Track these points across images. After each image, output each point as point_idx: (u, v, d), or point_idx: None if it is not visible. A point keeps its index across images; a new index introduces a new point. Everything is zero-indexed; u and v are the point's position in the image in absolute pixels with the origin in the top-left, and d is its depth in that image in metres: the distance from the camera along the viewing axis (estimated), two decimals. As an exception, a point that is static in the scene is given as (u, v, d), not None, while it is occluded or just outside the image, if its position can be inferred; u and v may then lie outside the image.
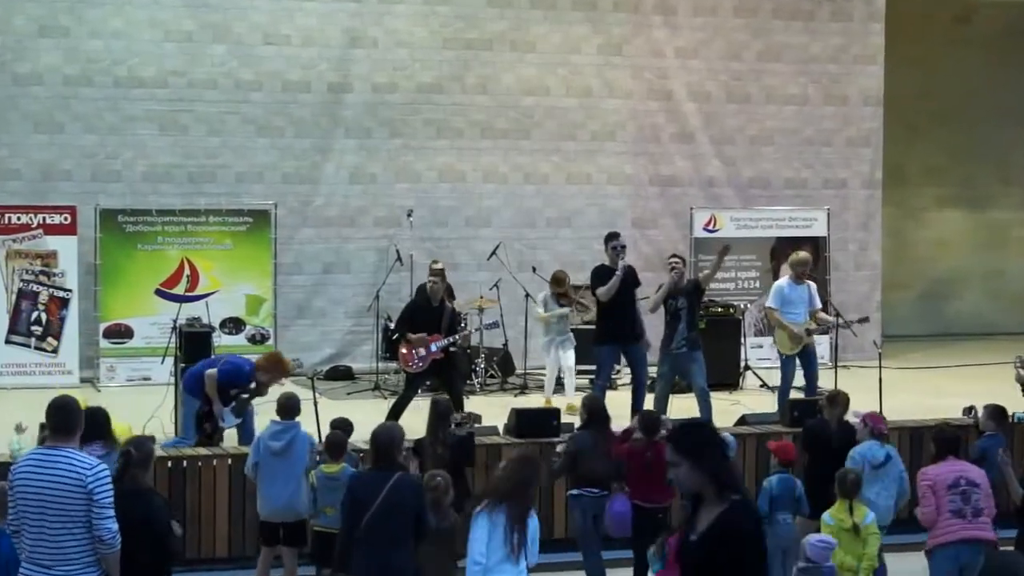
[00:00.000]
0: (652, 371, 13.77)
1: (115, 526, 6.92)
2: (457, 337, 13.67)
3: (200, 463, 11.28)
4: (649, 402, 13.07)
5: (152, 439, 9.78)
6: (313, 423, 11.88)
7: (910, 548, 10.33)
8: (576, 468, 10.26)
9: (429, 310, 13.41)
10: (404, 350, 13.36)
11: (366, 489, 7.81)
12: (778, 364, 14.21)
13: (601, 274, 13.33)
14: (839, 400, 10.92)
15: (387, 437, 8.00)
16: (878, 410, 13.10)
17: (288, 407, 10.18)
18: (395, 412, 12.93)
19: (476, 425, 11.62)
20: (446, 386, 13.38)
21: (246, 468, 10.35)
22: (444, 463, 9.86)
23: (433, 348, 13.24)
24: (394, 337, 14.12)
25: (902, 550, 10.55)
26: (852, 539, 9.42)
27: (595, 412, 10.44)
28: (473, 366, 15.92)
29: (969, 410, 12.01)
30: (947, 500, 9.37)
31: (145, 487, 7.68)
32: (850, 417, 10.76)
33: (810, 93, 19.25)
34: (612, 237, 13.58)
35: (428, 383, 13.87)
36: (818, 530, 9.52)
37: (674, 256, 13.74)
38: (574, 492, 10.31)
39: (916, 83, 20.97)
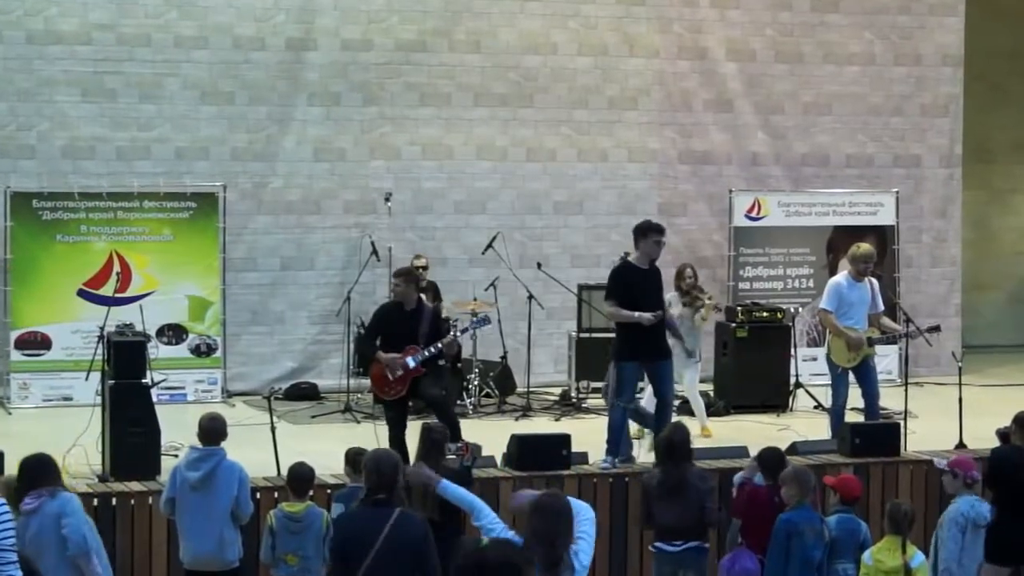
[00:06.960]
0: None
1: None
2: (441, 344, 12.95)
3: (133, 501, 11.35)
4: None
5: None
6: (270, 452, 11.94)
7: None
8: (649, 516, 10.28)
9: (401, 316, 12.93)
10: (376, 372, 12.97)
11: (363, 528, 7.72)
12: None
13: (627, 278, 12.91)
14: None
15: (391, 464, 7.94)
16: (959, 437, 13.20)
17: (210, 430, 10.05)
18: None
19: (475, 458, 11.64)
20: (430, 407, 13.22)
21: (160, 504, 10.35)
22: (437, 501, 9.85)
23: (410, 363, 12.77)
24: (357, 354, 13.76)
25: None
26: None
27: (665, 446, 10.36)
28: (465, 383, 15.95)
29: None
30: None
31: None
32: (937, 464, 10.76)
33: (876, 51, 19.28)
34: (655, 231, 13.04)
35: (411, 404, 13.39)
36: None
37: None
38: (651, 548, 10.33)
39: (1004, 39, 21.00)
